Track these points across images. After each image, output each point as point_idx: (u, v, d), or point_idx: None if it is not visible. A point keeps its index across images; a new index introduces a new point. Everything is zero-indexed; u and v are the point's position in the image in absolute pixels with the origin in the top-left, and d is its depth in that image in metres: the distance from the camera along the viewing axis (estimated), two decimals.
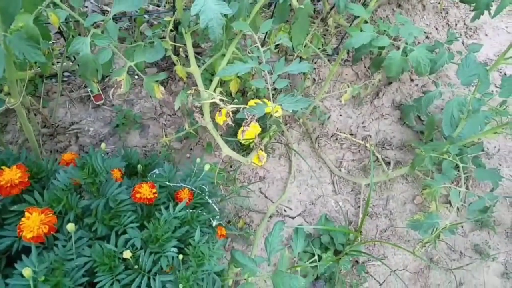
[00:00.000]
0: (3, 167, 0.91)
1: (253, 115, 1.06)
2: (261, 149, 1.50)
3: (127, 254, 0.83)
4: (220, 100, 1.12)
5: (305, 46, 1.46)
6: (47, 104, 1.55)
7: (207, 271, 0.92)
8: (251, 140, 1.48)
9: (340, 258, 1.42)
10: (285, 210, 1.57)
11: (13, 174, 0.90)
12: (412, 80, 1.79)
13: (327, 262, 1.39)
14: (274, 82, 1.06)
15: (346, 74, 1.78)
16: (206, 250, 0.93)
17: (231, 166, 1.61)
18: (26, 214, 0.83)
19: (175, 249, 0.91)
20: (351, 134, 1.70)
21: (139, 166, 1.19)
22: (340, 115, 1.73)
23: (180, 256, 0.90)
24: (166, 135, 1.59)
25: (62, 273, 0.82)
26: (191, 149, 1.61)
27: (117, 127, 1.58)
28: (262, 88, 1.08)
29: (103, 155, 1.00)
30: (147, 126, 1.65)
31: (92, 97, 1.59)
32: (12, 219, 0.94)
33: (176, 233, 0.94)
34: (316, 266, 1.40)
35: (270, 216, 1.55)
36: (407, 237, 1.56)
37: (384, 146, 1.69)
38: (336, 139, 1.67)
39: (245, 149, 1.59)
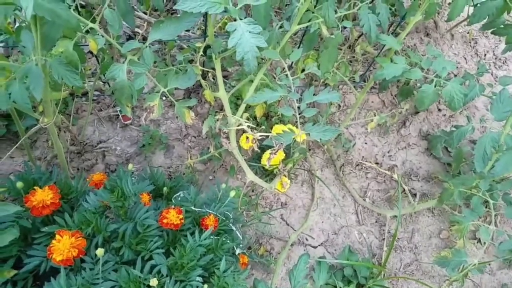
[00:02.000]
0: (35, 188, 0.93)
1: (281, 143, 1.06)
2: (284, 175, 1.49)
3: (153, 282, 0.82)
4: (248, 126, 1.12)
5: (332, 73, 1.46)
6: (76, 122, 1.58)
7: None
8: (275, 166, 1.48)
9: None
10: (306, 239, 1.54)
11: (45, 195, 0.92)
12: (439, 110, 1.76)
13: None
14: (302, 111, 1.05)
15: (372, 102, 1.77)
16: (231, 281, 0.92)
17: (253, 191, 1.61)
18: (57, 237, 0.84)
19: (200, 278, 0.90)
20: (377, 163, 1.67)
21: (164, 188, 1.20)
22: (365, 143, 1.71)
23: (205, 287, 0.89)
24: (190, 157, 1.60)
25: None
26: (214, 171, 1.61)
27: (143, 147, 1.60)
28: (290, 116, 1.08)
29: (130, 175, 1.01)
30: (172, 147, 1.66)
31: (120, 117, 1.62)
32: (42, 239, 0.95)
33: (201, 261, 0.93)
34: None
35: (292, 245, 1.52)
36: (432, 273, 1.51)
37: (411, 177, 1.65)
38: (362, 168, 1.65)
39: (268, 174, 1.58)
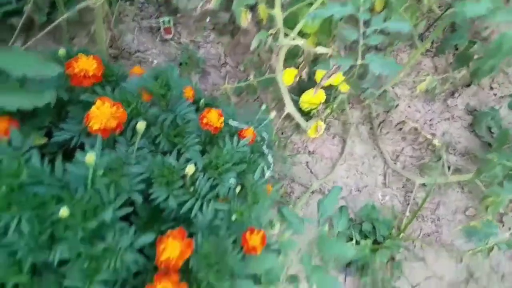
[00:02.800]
0: (80, 54, 0.88)
1: (338, 66, 0.99)
2: (321, 119, 1.42)
3: (190, 169, 0.78)
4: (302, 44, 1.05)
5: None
6: (117, 26, 1.52)
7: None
8: (313, 107, 1.41)
9: (378, 249, 1.34)
10: (328, 190, 1.49)
11: (89, 64, 0.86)
12: (492, 88, 1.67)
13: (365, 250, 1.31)
14: (367, 36, 0.97)
15: (424, 65, 1.68)
16: (262, 191, 0.87)
17: (282, 133, 1.55)
18: (98, 103, 0.79)
19: (234, 180, 0.85)
20: (416, 129, 1.60)
21: (202, 101, 1.14)
22: (409, 107, 1.64)
23: (238, 188, 0.85)
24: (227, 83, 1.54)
25: (120, 174, 0.77)
26: (248, 105, 1.56)
27: (180, 66, 1.54)
28: (351, 40, 0.99)
29: None
30: (208, 73, 1.60)
31: (162, 30, 1.55)
32: (76, 112, 0.91)
33: (236, 167, 0.89)
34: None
35: (312, 192, 1.48)
36: (450, 247, 1.46)
37: (448, 149, 1.58)
38: (399, 131, 1.58)
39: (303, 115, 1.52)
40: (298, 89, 1.46)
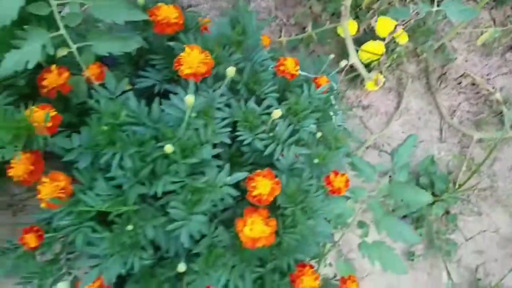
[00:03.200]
0: (160, 3, 0.90)
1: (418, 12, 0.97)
2: (380, 72, 1.41)
3: (276, 113, 0.81)
4: None
5: None
6: None
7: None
8: (374, 59, 1.40)
9: (434, 202, 1.36)
10: (383, 145, 1.50)
11: (170, 12, 0.88)
12: None
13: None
14: None
15: (481, 18, 1.61)
16: (342, 136, 0.90)
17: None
18: (187, 50, 0.81)
19: (314, 126, 0.88)
20: (473, 84, 1.57)
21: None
22: (466, 61, 1.59)
23: (319, 134, 0.87)
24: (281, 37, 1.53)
25: (211, 117, 0.81)
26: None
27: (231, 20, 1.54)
28: None
29: None
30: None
31: None
32: (158, 61, 0.94)
33: (313, 114, 0.91)
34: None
35: (367, 147, 1.49)
36: (505, 202, 1.46)
37: (506, 104, 1.55)
38: (460, 83, 1.55)
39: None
40: (355, 42, 1.45)
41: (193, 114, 0.78)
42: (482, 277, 1.36)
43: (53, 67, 0.85)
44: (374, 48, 1.34)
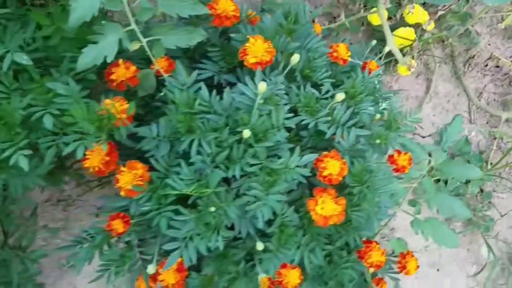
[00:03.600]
0: None
1: None
2: (412, 57, 1.45)
3: (339, 96, 0.85)
4: None
5: None
6: None
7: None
8: (405, 45, 1.44)
9: (470, 181, 1.40)
10: (415, 128, 1.54)
11: (228, 5, 0.92)
12: None
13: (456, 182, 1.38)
14: None
15: None
16: (398, 117, 0.94)
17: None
18: (251, 40, 0.85)
19: (372, 108, 0.92)
20: (497, 67, 1.61)
21: None
22: (489, 44, 1.64)
23: (378, 116, 0.92)
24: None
25: (275, 103, 0.85)
26: None
27: (262, 11, 1.57)
28: None
29: None
30: None
31: None
32: (214, 53, 0.98)
33: (369, 97, 0.95)
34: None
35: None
36: None
37: None
38: (486, 66, 1.59)
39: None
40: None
41: (261, 101, 0.82)
42: None
43: (121, 61, 0.88)
44: (406, 34, 1.38)
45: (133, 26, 0.81)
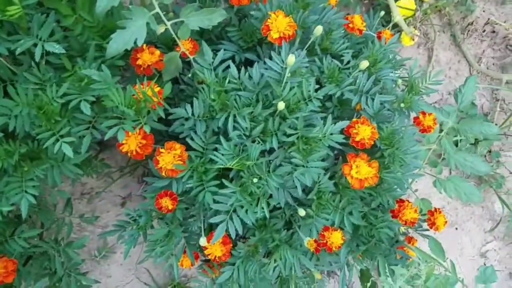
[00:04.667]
0: None
1: None
2: (414, 27, 1.49)
3: (364, 64, 0.87)
4: None
5: None
6: None
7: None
8: (408, 16, 1.47)
9: (478, 142, 1.45)
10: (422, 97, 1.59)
11: None
12: None
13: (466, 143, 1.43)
14: None
15: None
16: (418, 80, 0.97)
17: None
18: (273, 16, 0.87)
19: (392, 75, 0.95)
20: (493, 32, 1.66)
21: None
22: (483, 11, 1.68)
23: (399, 81, 0.95)
24: None
25: (301, 74, 0.87)
26: None
27: None
28: None
29: None
30: None
31: None
32: (233, 33, 1.00)
33: (388, 65, 0.98)
34: None
35: None
36: None
37: None
38: (478, 34, 1.64)
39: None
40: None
41: (288, 75, 0.84)
42: None
43: (145, 46, 0.89)
44: (406, 4, 1.42)
45: (157, 9, 0.82)
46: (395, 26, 1.53)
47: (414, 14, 1.45)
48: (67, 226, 1.03)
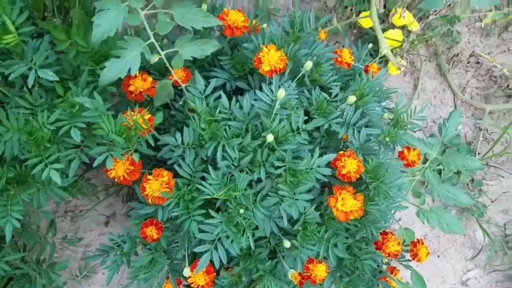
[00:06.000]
0: (226, 9, 0.97)
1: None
2: (401, 57, 1.53)
3: (351, 99, 0.90)
4: None
5: None
6: None
7: None
8: (395, 46, 1.52)
9: (461, 171, 1.49)
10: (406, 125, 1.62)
11: (238, 16, 0.96)
12: None
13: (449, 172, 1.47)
14: None
15: None
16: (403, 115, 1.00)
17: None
18: (265, 49, 0.89)
19: (379, 109, 0.98)
20: (477, 63, 1.72)
21: None
22: (468, 43, 1.74)
23: (386, 115, 0.97)
24: None
25: (291, 107, 0.89)
26: None
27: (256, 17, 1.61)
28: None
29: None
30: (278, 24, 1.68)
31: None
32: (225, 61, 1.01)
33: (375, 98, 1.01)
34: None
35: None
36: None
37: (508, 79, 1.70)
38: (468, 62, 1.69)
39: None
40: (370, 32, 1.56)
41: (278, 107, 0.86)
42: (511, 233, 1.51)
43: (137, 73, 0.90)
44: (394, 36, 1.46)
45: (152, 39, 0.84)
46: (383, 55, 1.57)
47: (402, 45, 1.49)
48: (50, 246, 1.02)
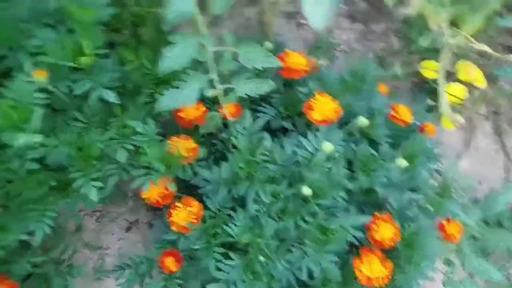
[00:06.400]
0: (287, 50, 0.97)
1: None
2: (459, 113, 1.47)
3: (402, 162, 0.86)
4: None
5: None
6: None
7: None
8: (456, 103, 1.46)
9: None
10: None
11: (299, 59, 0.95)
12: None
13: None
14: None
15: None
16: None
17: None
18: (318, 97, 0.88)
19: (427, 173, 0.94)
20: None
21: None
22: None
23: (433, 182, 0.93)
24: None
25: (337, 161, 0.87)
26: None
27: (312, 50, 1.60)
28: None
29: None
30: (336, 57, 1.66)
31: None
32: (275, 99, 1.01)
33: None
34: None
35: None
36: None
37: None
38: None
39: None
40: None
41: (322, 158, 0.84)
42: None
43: None
44: (457, 92, 1.40)
45: (214, 75, 0.84)
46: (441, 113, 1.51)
47: (463, 103, 1.43)
48: (72, 247, 1.06)
